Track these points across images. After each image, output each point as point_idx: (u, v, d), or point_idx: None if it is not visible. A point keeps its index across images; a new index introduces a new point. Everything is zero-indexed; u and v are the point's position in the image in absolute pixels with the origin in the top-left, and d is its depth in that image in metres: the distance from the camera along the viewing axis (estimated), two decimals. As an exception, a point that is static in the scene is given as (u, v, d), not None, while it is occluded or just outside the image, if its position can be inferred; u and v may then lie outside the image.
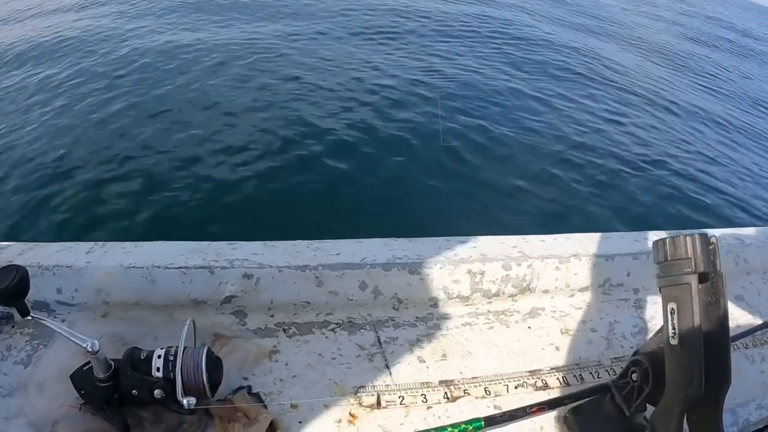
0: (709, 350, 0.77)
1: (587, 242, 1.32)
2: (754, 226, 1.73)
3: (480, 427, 0.85)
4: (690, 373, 0.76)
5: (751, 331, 1.29)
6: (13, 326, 0.96)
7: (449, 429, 0.84)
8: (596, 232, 1.41)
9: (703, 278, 0.77)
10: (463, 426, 0.84)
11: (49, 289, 0.99)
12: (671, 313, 0.78)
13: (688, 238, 0.77)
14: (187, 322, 0.88)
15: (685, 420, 0.80)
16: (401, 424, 0.91)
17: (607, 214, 4.09)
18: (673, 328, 0.78)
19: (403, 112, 4.92)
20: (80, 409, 0.85)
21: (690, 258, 0.77)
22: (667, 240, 0.79)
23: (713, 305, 0.77)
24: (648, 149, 5.27)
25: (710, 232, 1.58)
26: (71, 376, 0.83)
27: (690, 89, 7.76)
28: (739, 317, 1.40)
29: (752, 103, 8.01)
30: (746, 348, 1.30)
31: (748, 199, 4.87)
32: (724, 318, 0.78)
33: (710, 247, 0.78)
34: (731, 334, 1.24)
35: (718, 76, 9.06)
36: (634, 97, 6.67)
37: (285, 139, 4.28)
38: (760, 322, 1.34)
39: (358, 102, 5.06)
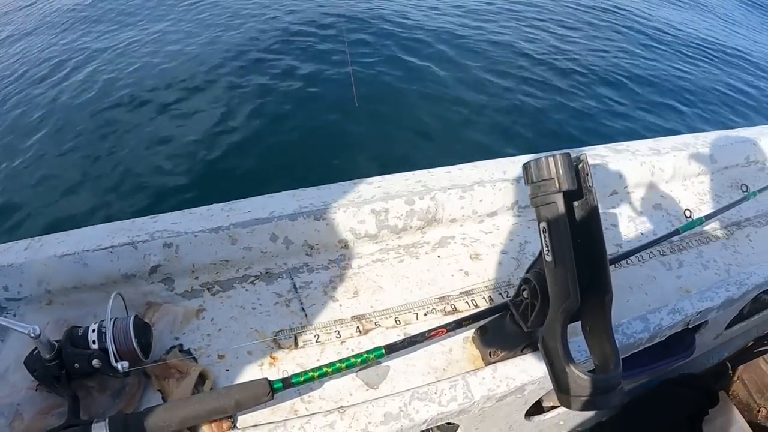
0: (584, 264, 0.81)
1: (493, 168, 1.38)
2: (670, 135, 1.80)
3: (381, 355, 0.94)
4: (565, 288, 0.79)
5: (665, 237, 1.34)
6: None
7: (353, 359, 0.92)
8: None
9: (572, 196, 0.80)
10: (365, 356, 0.93)
11: None
12: (543, 231, 0.81)
13: (551, 159, 0.78)
14: (112, 296, 0.97)
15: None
16: (317, 360, 1.02)
17: (532, 138, 4.08)
18: (547, 246, 0.81)
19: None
20: (36, 390, 0.94)
21: (554, 178, 0.78)
22: (532, 163, 0.81)
23: (587, 220, 0.82)
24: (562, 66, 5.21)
25: (599, 149, 1.64)
26: (24, 362, 0.92)
27: None
28: (657, 225, 1.48)
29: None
30: (663, 255, 1.38)
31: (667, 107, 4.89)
32: (598, 232, 0.82)
33: (579, 165, 0.80)
34: (648, 241, 1.32)
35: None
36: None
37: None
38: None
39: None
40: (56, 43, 5.52)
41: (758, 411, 1.94)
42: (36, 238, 1.17)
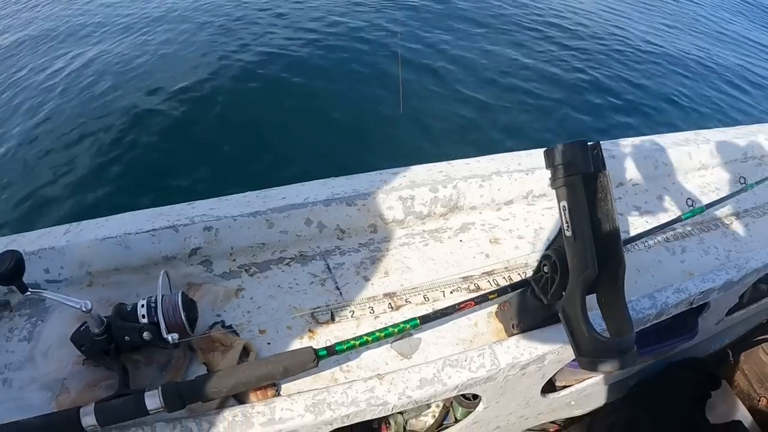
0: (600, 239, 0.88)
1: (509, 160, 1.47)
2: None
3: (416, 325, 1.01)
4: (584, 259, 0.85)
5: (669, 224, 1.42)
6: (11, 311, 1.07)
7: (390, 329, 0.99)
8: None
9: (589, 178, 0.86)
10: (402, 325, 1.00)
11: (38, 270, 1.10)
12: (563, 210, 0.87)
13: (571, 145, 0.85)
14: (161, 274, 1.03)
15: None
16: (354, 333, 1.08)
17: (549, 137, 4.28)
18: (567, 223, 0.87)
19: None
20: (83, 364, 0.98)
21: (573, 162, 0.85)
22: (554, 148, 0.87)
23: (602, 200, 0.88)
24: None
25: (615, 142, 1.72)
26: (71, 337, 0.95)
27: None
28: (660, 214, 1.56)
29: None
30: (668, 242, 1.46)
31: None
32: (612, 210, 0.88)
33: (594, 152, 0.87)
34: (659, 229, 1.40)
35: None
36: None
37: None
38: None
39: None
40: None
41: (759, 400, 2.00)
42: (74, 223, 1.22)
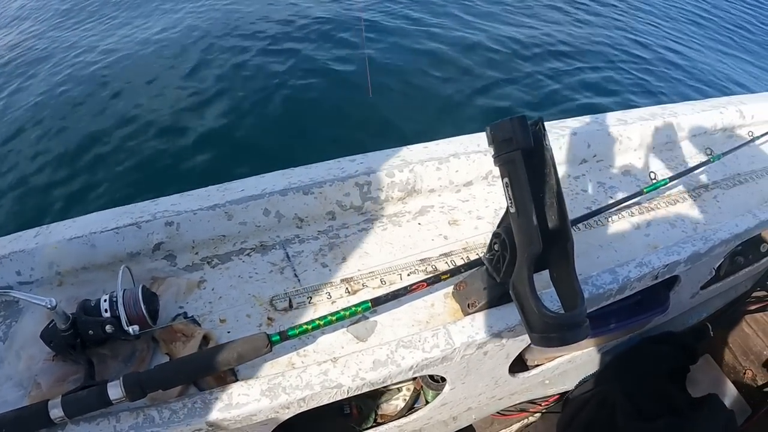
0: (546, 214, 0.91)
1: (467, 142, 1.48)
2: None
3: (368, 308, 1.03)
4: (528, 235, 0.86)
5: (630, 197, 1.43)
6: None
7: (342, 312, 1.00)
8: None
9: (530, 154, 0.87)
10: (354, 308, 1.02)
11: (10, 273, 1.13)
12: (506, 186, 0.89)
13: (509, 121, 0.86)
14: (121, 269, 1.06)
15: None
16: (310, 319, 1.12)
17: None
18: (510, 199, 0.89)
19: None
20: (53, 360, 1.01)
21: (512, 138, 0.85)
22: (493, 125, 0.88)
23: (546, 176, 0.89)
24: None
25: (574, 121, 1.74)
26: (40, 334, 0.99)
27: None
28: (625, 188, 1.56)
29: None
30: (632, 216, 1.47)
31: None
32: (557, 186, 0.89)
33: (536, 127, 0.88)
34: (619, 203, 1.41)
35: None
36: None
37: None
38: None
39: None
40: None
41: (744, 373, 2.02)
42: (45, 226, 1.25)
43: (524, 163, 0.87)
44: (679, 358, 1.87)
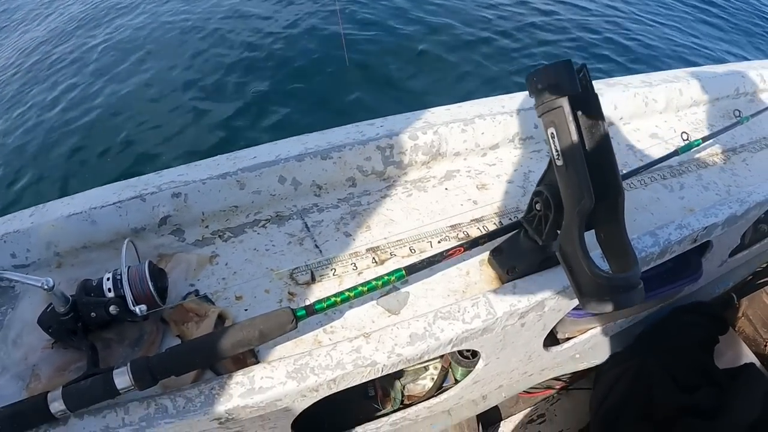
0: (595, 166, 0.80)
1: (492, 103, 1.38)
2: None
3: (402, 276, 0.93)
4: (579, 189, 0.78)
5: (665, 158, 1.35)
6: None
7: (374, 282, 0.91)
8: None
9: (577, 101, 0.79)
10: (386, 278, 0.92)
11: (4, 256, 1.04)
12: (552, 137, 0.81)
13: (553, 66, 0.78)
14: (125, 243, 0.96)
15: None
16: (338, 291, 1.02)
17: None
18: (557, 151, 0.80)
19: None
20: (53, 347, 0.93)
21: (558, 83, 0.78)
22: (535, 71, 0.80)
23: (593, 126, 0.81)
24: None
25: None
26: (38, 320, 0.90)
27: None
28: (654, 151, 1.49)
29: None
30: (664, 179, 1.40)
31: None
32: (605, 136, 0.81)
33: (581, 74, 0.80)
34: (655, 164, 1.34)
35: None
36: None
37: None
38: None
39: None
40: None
41: (765, 345, 1.97)
42: (41, 205, 1.15)
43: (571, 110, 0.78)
44: (710, 328, 1.80)
